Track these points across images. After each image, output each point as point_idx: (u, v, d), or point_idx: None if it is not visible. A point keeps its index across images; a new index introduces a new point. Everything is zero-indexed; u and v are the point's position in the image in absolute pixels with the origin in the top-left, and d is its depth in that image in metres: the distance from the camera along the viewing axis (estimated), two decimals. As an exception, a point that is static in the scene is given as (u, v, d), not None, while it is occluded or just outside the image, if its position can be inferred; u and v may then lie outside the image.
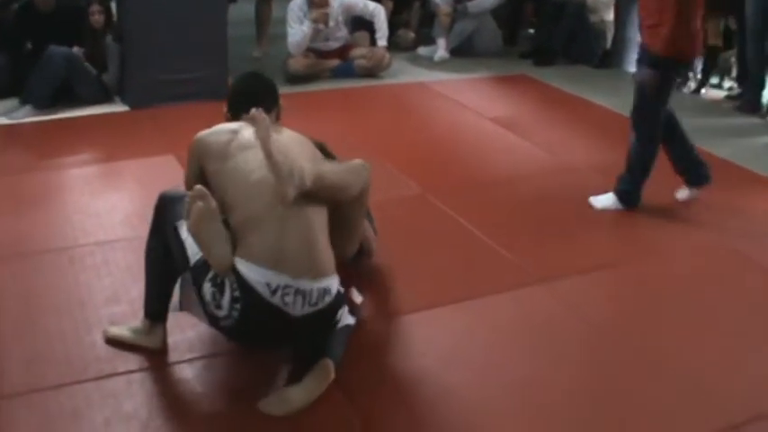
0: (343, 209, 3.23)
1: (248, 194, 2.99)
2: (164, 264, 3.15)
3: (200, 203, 2.87)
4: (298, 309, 2.90)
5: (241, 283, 2.86)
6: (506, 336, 3.46)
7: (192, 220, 2.88)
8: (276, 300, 2.87)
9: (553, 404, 3.03)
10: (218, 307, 2.90)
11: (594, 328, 3.52)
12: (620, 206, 4.72)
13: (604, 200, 4.76)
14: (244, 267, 2.87)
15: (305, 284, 2.90)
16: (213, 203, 2.90)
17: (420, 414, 2.97)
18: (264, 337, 3.07)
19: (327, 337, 3.13)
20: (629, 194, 4.72)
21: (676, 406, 3.03)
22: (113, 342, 3.25)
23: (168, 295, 3.18)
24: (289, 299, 2.88)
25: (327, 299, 2.98)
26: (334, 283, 3.02)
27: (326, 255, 3.02)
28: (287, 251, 2.91)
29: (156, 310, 3.22)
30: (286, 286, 2.87)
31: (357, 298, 3.54)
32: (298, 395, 2.95)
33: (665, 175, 4.90)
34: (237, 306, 2.87)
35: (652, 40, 4.34)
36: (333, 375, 3.03)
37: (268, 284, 2.86)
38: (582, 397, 3.08)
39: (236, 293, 2.86)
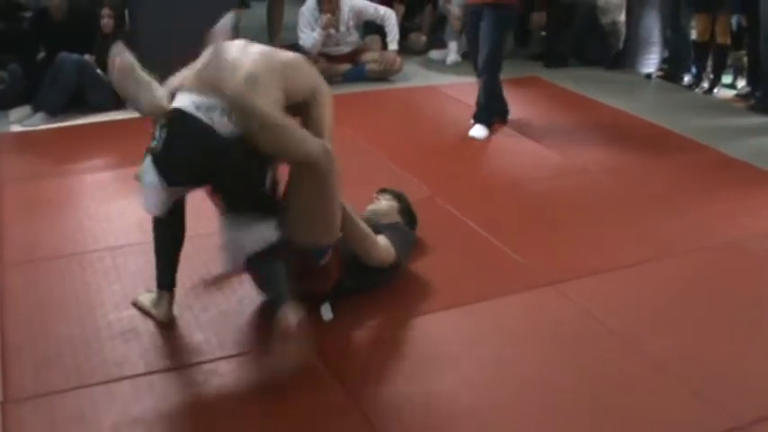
0: (303, 190, 3.28)
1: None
2: (164, 238, 3.45)
3: (117, 58, 3.22)
4: (224, 127, 3.02)
5: (170, 112, 3.12)
6: (516, 338, 3.45)
7: (113, 76, 3.28)
8: (201, 114, 3.03)
9: (561, 404, 3.02)
10: (153, 138, 3.17)
11: (604, 330, 3.49)
12: (488, 132, 5.96)
13: (481, 130, 5.94)
14: (176, 100, 3.14)
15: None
16: (130, 57, 3.26)
17: (430, 414, 2.96)
18: (188, 165, 3.13)
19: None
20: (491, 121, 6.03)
21: (684, 407, 3.02)
22: (137, 308, 3.54)
23: (171, 268, 3.44)
24: (215, 116, 3.02)
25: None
26: None
27: (262, 91, 3.10)
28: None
29: (161, 280, 3.47)
30: (211, 106, 3.03)
31: (327, 314, 3.52)
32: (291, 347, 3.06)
33: (674, 180, 4.89)
34: (165, 130, 3.11)
35: None
36: (292, 317, 3.04)
37: (194, 104, 3.06)
38: (590, 398, 3.06)
39: (164, 121, 3.13)
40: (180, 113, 3.07)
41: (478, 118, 6.02)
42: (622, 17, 8.22)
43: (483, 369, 3.23)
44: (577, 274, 3.94)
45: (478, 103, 6.03)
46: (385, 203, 4.12)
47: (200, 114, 3.03)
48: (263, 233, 3.17)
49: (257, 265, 3.30)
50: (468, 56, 7.51)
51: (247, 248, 3.19)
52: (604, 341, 3.42)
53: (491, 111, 6.04)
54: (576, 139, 6.01)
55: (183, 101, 3.09)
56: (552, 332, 3.48)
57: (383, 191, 4.24)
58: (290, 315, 3.06)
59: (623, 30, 8.22)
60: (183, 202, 3.39)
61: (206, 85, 3.06)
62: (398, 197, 4.18)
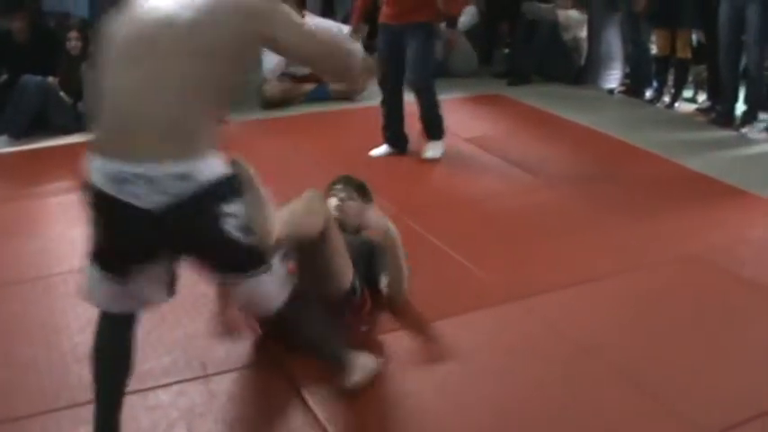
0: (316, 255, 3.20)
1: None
2: (105, 371, 2.77)
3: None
4: (149, 198, 2.35)
5: (88, 190, 2.48)
6: (481, 354, 3.45)
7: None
8: (115, 190, 2.37)
9: (529, 421, 3.02)
10: None
11: (572, 344, 3.51)
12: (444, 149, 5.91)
13: (436, 149, 5.87)
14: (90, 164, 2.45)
15: (148, 169, 2.34)
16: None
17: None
18: (135, 249, 2.51)
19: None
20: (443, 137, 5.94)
21: (652, 419, 3.03)
22: None
23: (113, 417, 2.75)
24: (132, 188, 2.35)
25: (185, 187, 2.36)
26: (196, 168, 2.38)
27: (183, 130, 2.40)
28: (125, 128, 2.39)
29: None
30: (125, 177, 2.34)
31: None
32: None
33: (636, 194, 4.94)
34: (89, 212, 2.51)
35: (433, 10, 5.57)
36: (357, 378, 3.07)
37: (106, 175, 2.39)
38: (561, 415, 3.06)
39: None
40: (95, 196, 2.44)
41: (432, 135, 5.97)
42: (584, 33, 8.32)
43: (447, 388, 3.22)
44: (542, 289, 3.95)
45: (425, 123, 5.95)
46: (354, 206, 3.91)
47: (114, 191, 2.37)
48: (273, 281, 2.66)
49: (289, 322, 2.92)
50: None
51: (267, 304, 2.73)
52: (570, 356, 3.43)
53: (440, 125, 5.94)
54: (539, 154, 6.05)
55: (94, 173, 2.42)
56: (518, 348, 3.48)
57: (341, 183, 4.02)
58: (354, 376, 3.06)
59: (585, 46, 8.32)
60: (134, 323, 2.76)
61: None
62: (359, 191, 4.01)
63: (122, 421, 2.93)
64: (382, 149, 6.00)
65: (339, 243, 3.33)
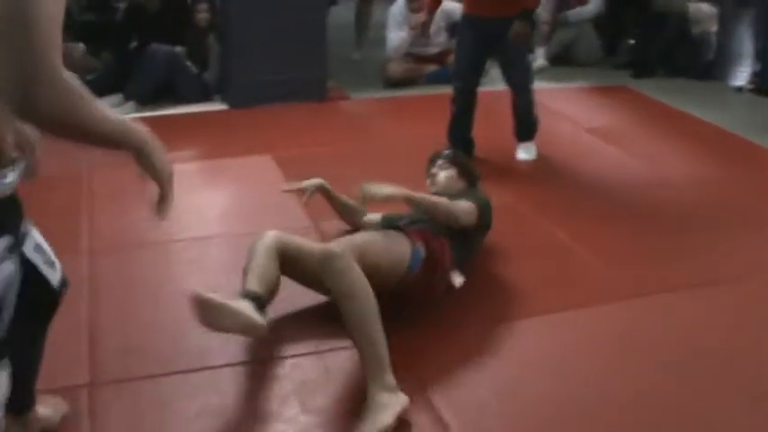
0: None
1: None
2: None
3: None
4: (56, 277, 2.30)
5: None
6: (599, 350, 3.38)
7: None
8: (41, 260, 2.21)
9: (642, 423, 2.95)
10: None
11: (692, 347, 3.40)
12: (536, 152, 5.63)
13: (529, 150, 5.62)
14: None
15: None
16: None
17: (507, 422, 2.93)
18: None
19: None
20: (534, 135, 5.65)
21: None
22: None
23: None
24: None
25: None
26: None
27: None
28: None
29: None
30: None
31: (457, 279, 3.56)
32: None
33: (761, 198, 4.79)
34: None
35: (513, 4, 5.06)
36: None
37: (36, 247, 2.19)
38: (673, 420, 2.96)
39: None
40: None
41: (524, 136, 5.68)
42: (713, 28, 8.10)
43: (565, 381, 3.17)
44: (663, 288, 3.85)
45: (520, 122, 5.65)
46: (443, 176, 4.07)
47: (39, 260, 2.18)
48: None
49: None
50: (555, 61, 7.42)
51: None
52: (684, 358, 3.32)
53: (533, 126, 5.65)
54: (662, 150, 5.91)
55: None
56: (637, 347, 3.40)
57: (437, 157, 4.21)
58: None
59: (714, 41, 8.10)
60: None
61: None
62: (453, 160, 4.15)
63: (238, 391, 3.00)
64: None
65: (376, 249, 3.22)
